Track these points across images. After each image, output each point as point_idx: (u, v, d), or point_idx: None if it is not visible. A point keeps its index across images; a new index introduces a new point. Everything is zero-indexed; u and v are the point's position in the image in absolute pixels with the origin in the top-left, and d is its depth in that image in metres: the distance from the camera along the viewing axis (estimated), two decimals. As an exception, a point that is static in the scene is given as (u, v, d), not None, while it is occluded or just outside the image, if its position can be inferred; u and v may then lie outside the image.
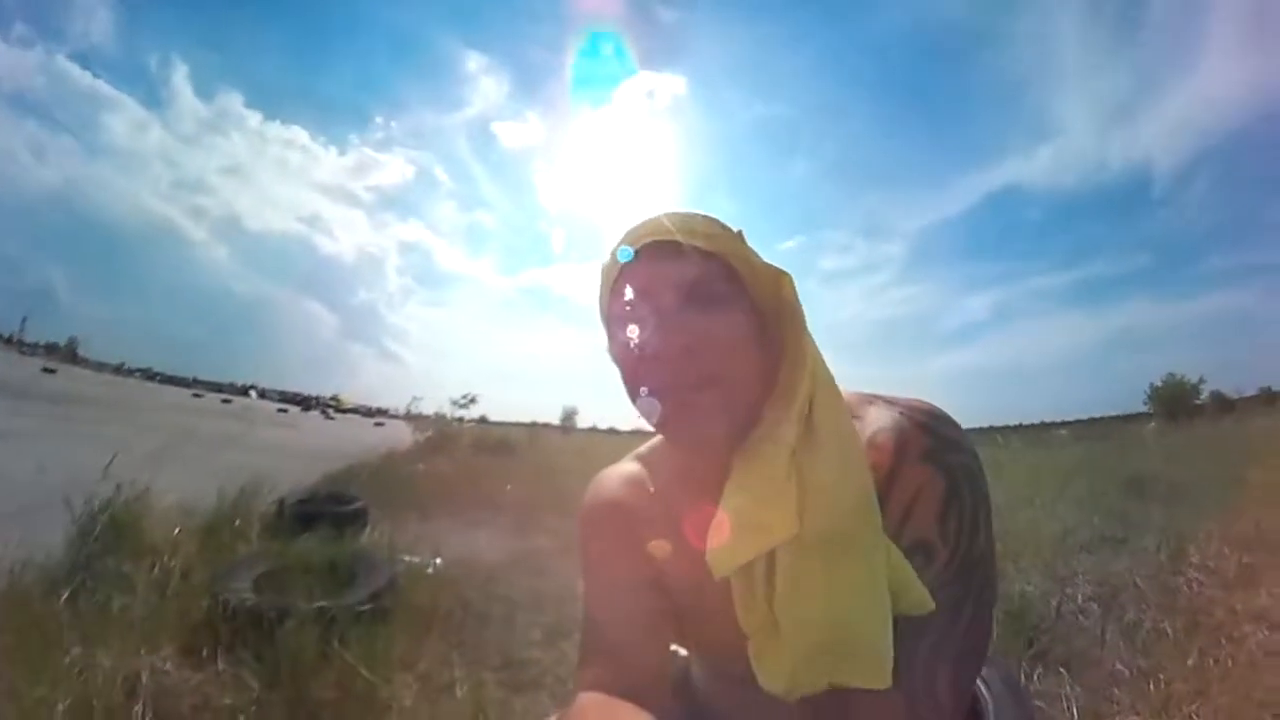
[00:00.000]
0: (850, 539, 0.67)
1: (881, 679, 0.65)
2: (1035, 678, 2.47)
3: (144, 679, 2.11)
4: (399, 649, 2.60)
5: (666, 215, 0.77)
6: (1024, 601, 3.06)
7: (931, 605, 0.68)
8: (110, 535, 3.19)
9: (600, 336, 0.82)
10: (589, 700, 0.74)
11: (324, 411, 60.38)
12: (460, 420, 17.18)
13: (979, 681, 0.96)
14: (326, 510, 4.70)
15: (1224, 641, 2.62)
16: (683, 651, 0.99)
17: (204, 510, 4.12)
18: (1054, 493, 6.73)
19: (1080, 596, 3.32)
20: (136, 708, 2.00)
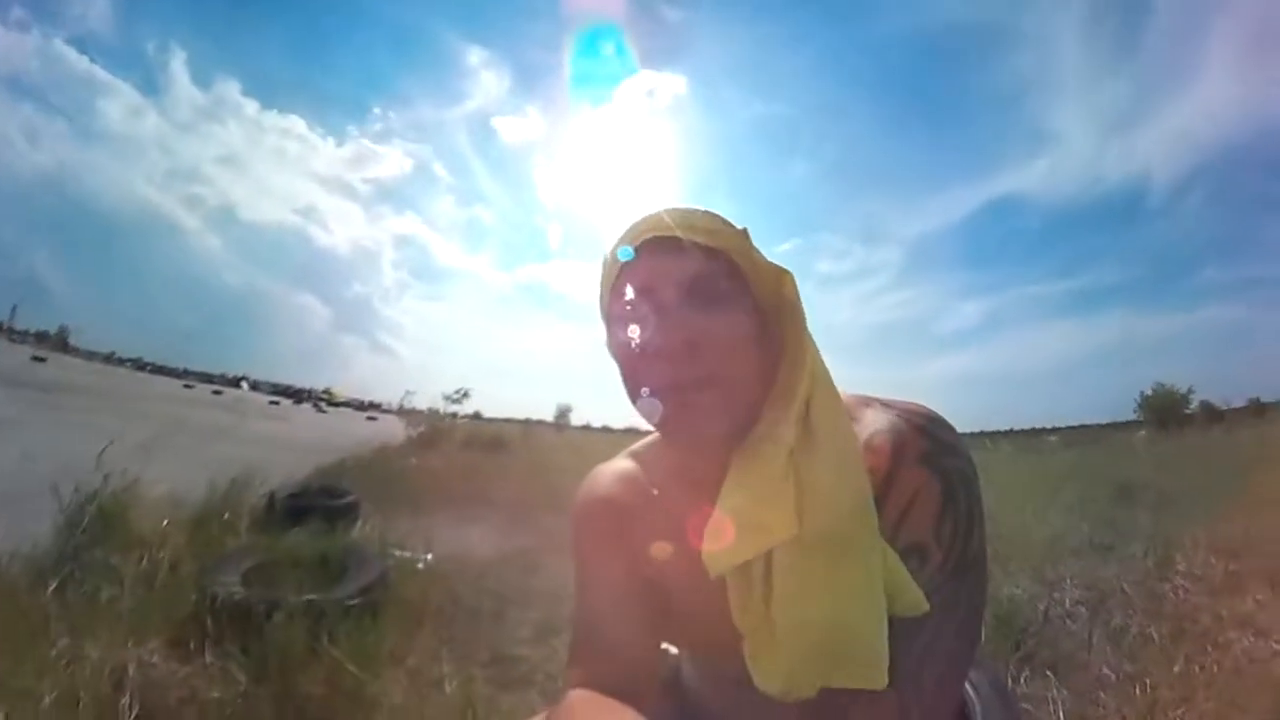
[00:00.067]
0: (848, 541, 0.67)
1: (877, 680, 0.66)
2: (1022, 680, 2.48)
3: (131, 671, 2.09)
4: (388, 644, 2.60)
5: (668, 211, 0.76)
6: (1012, 605, 3.08)
7: (926, 607, 0.68)
8: (98, 526, 3.17)
9: (597, 333, 0.82)
10: (577, 698, 0.74)
11: (316, 404, 60.20)
12: (454, 415, 17.18)
13: (967, 684, 0.96)
14: (317, 504, 4.68)
15: (1210, 648, 2.63)
16: (674, 650, 0.99)
17: (193, 502, 4.11)
18: (1043, 498, 6.77)
19: (1068, 601, 3.33)
20: (123, 700, 1.98)
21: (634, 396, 0.76)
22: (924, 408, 0.78)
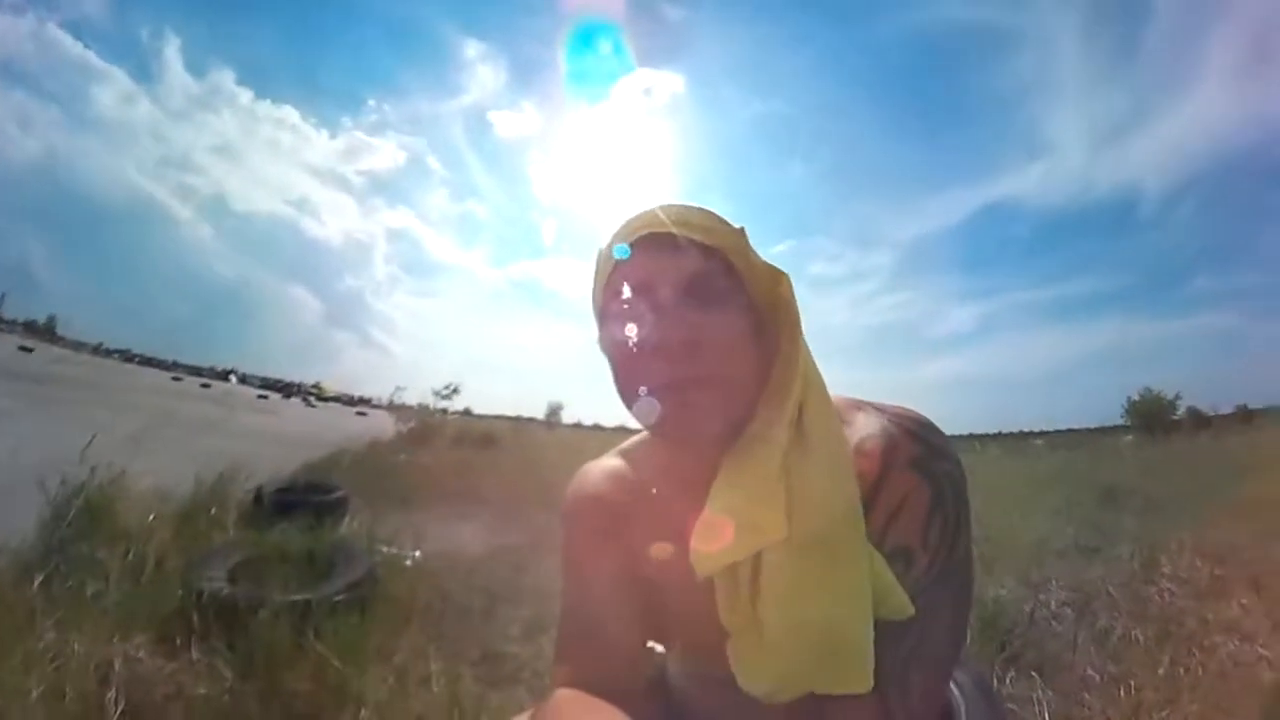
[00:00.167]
0: (837, 544, 0.67)
1: (863, 684, 0.66)
2: (1008, 681, 2.49)
3: (117, 666, 2.08)
4: (375, 641, 2.59)
5: (664, 208, 0.76)
6: (998, 606, 3.09)
7: (911, 610, 0.68)
8: (85, 519, 3.15)
9: (590, 331, 0.82)
10: (563, 697, 0.74)
11: (305, 399, 59.90)
12: (444, 411, 17.14)
13: (952, 684, 0.97)
14: (305, 499, 4.65)
15: (1195, 651, 2.65)
16: (660, 649, 0.99)
17: (181, 496, 4.09)
18: (1030, 501, 6.80)
19: (1054, 603, 3.35)
20: (109, 695, 1.98)
21: (627, 394, 0.76)
22: (915, 412, 0.78)
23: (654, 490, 0.87)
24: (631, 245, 0.75)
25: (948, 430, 0.79)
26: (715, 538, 0.71)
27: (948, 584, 0.73)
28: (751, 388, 0.75)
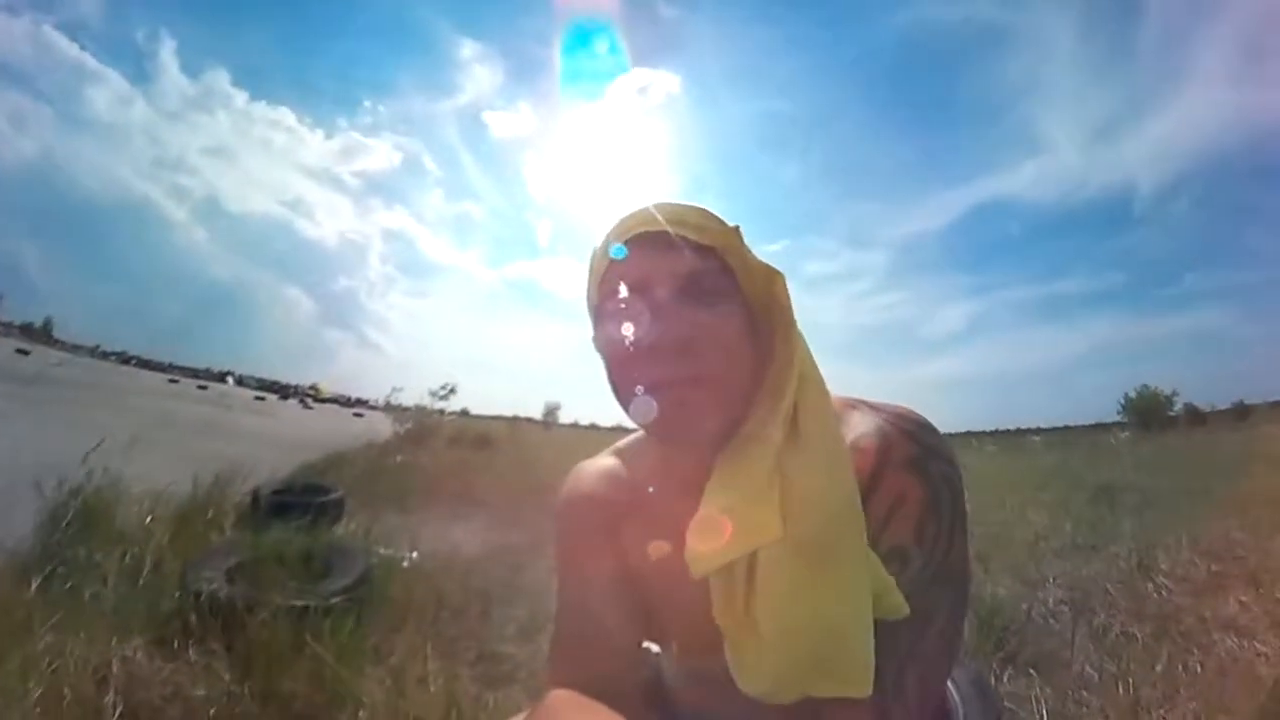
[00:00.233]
0: (833, 544, 0.67)
1: (862, 686, 0.65)
2: (1005, 679, 2.50)
3: (115, 668, 2.08)
4: (373, 642, 2.59)
5: (658, 206, 0.76)
6: (995, 604, 3.10)
7: (906, 611, 0.67)
8: (82, 522, 3.16)
9: (586, 331, 0.81)
10: (558, 698, 0.74)
11: (302, 400, 59.79)
12: (441, 412, 17.08)
13: (949, 682, 0.97)
14: (302, 501, 4.64)
15: (1193, 648, 2.65)
16: (655, 649, 0.98)
17: (178, 498, 4.07)
18: (1027, 498, 6.81)
19: (1051, 600, 3.36)
20: (107, 697, 1.97)
21: (622, 393, 0.76)
22: (911, 412, 0.77)
23: (649, 489, 0.87)
24: (626, 244, 0.75)
25: (944, 428, 0.78)
26: (710, 537, 0.71)
27: (944, 584, 0.72)
28: (747, 387, 0.75)
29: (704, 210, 0.76)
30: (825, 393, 0.75)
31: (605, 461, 0.94)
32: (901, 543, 0.70)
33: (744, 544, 0.69)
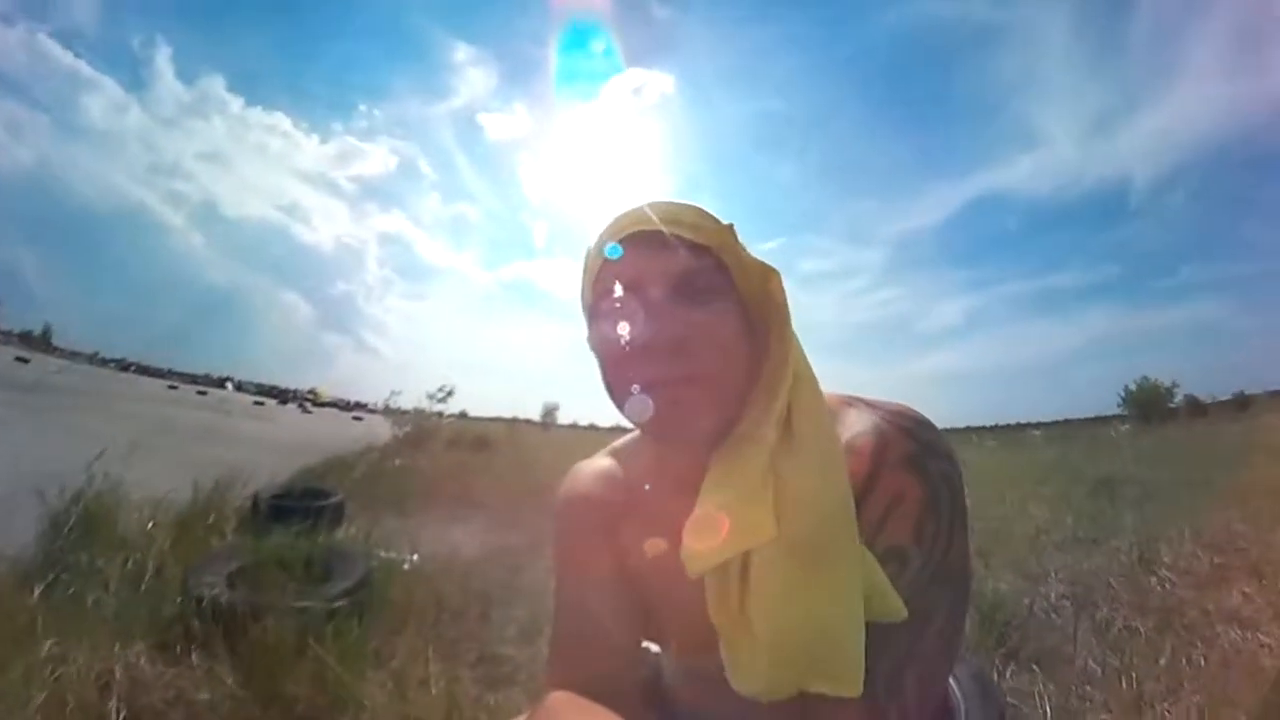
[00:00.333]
0: (827, 545, 0.66)
1: (853, 687, 0.64)
2: (1008, 675, 2.49)
3: (118, 674, 2.09)
4: (374, 645, 2.59)
5: (652, 205, 0.75)
6: (997, 599, 3.09)
7: (905, 614, 0.67)
8: (83, 528, 3.16)
9: (583, 332, 0.81)
10: (557, 699, 0.74)
11: (301, 405, 59.73)
12: (440, 415, 17.08)
13: (950, 680, 0.96)
14: (302, 505, 4.64)
15: (1197, 641, 2.65)
16: (654, 648, 0.98)
17: (179, 504, 4.07)
18: (1027, 492, 6.81)
19: (1053, 595, 3.36)
20: (110, 703, 1.98)
21: (617, 393, 0.75)
22: (909, 409, 0.76)
23: (645, 489, 0.86)
24: (620, 243, 0.74)
25: (943, 424, 0.78)
26: (705, 537, 0.70)
27: (943, 585, 0.71)
28: (742, 385, 0.74)
29: (698, 209, 0.76)
30: (819, 392, 0.74)
31: (602, 462, 0.94)
32: (900, 543, 0.69)
33: (738, 544, 0.69)
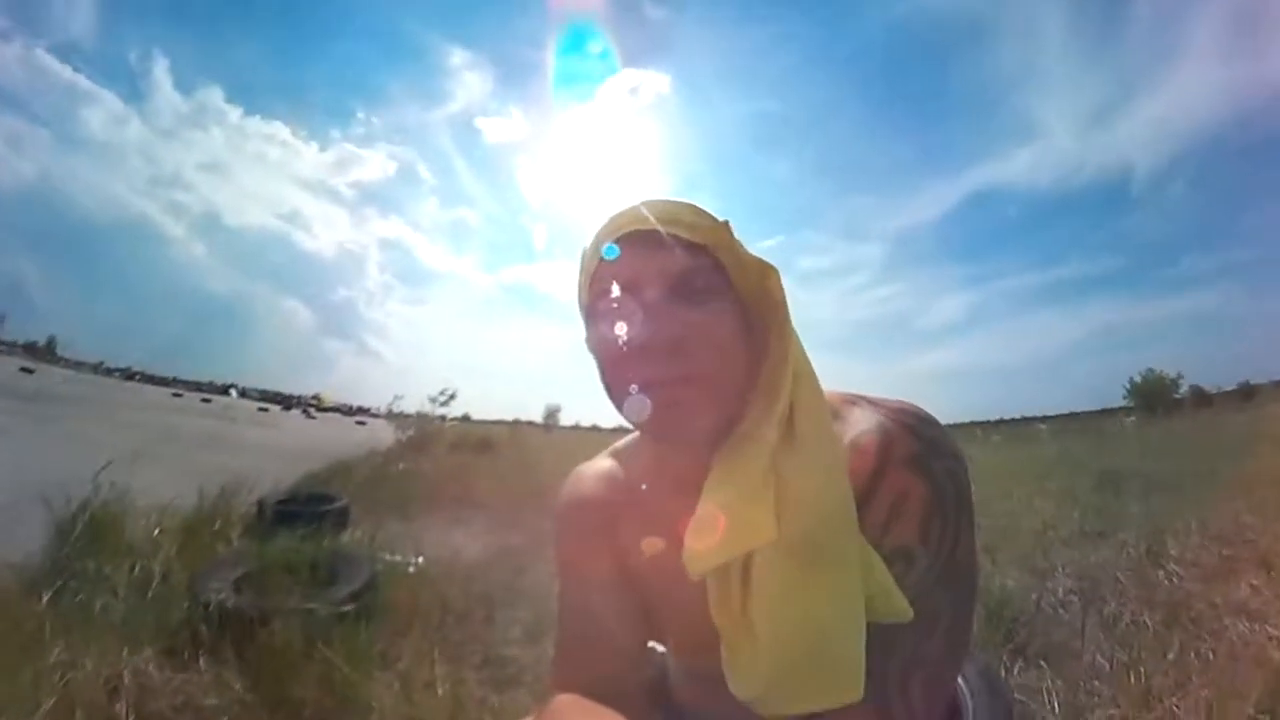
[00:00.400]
0: (828, 545, 0.65)
1: (854, 692, 0.63)
2: (1015, 671, 2.49)
3: (126, 680, 2.10)
4: (380, 648, 2.60)
5: (648, 203, 0.74)
6: (1003, 595, 3.09)
7: (910, 615, 0.66)
8: (90, 536, 3.17)
9: (583, 332, 0.80)
10: (563, 702, 0.73)
11: (305, 410, 59.70)
12: (442, 418, 17.07)
13: (958, 676, 0.96)
14: (307, 510, 4.67)
15: (1205, 635, 2.63)
16: (660, 648, 0.98)
17: (184, 510, 4.08)
18: (1034, 487, 6.80)
19: (1060, 590, 3.35)
20: (119, 708, 1.99)
21: (615, 394, 0.74)
22: (913, 406, 0.75)
23: (646, 490, 0.86)
24: (617, 243, 0.73)
25: (948, 420, 0.77)
26: (706, 538, 0.70)
27: (950, 585, 0.70)
28: (741, 385, 0.73)
29: (695, 207, 0.75)
30: (819, 390, 0.73)
31: (603, 463, 0.94)
32: (906, 543, 0.68)
33: (740, 545, 0.68)
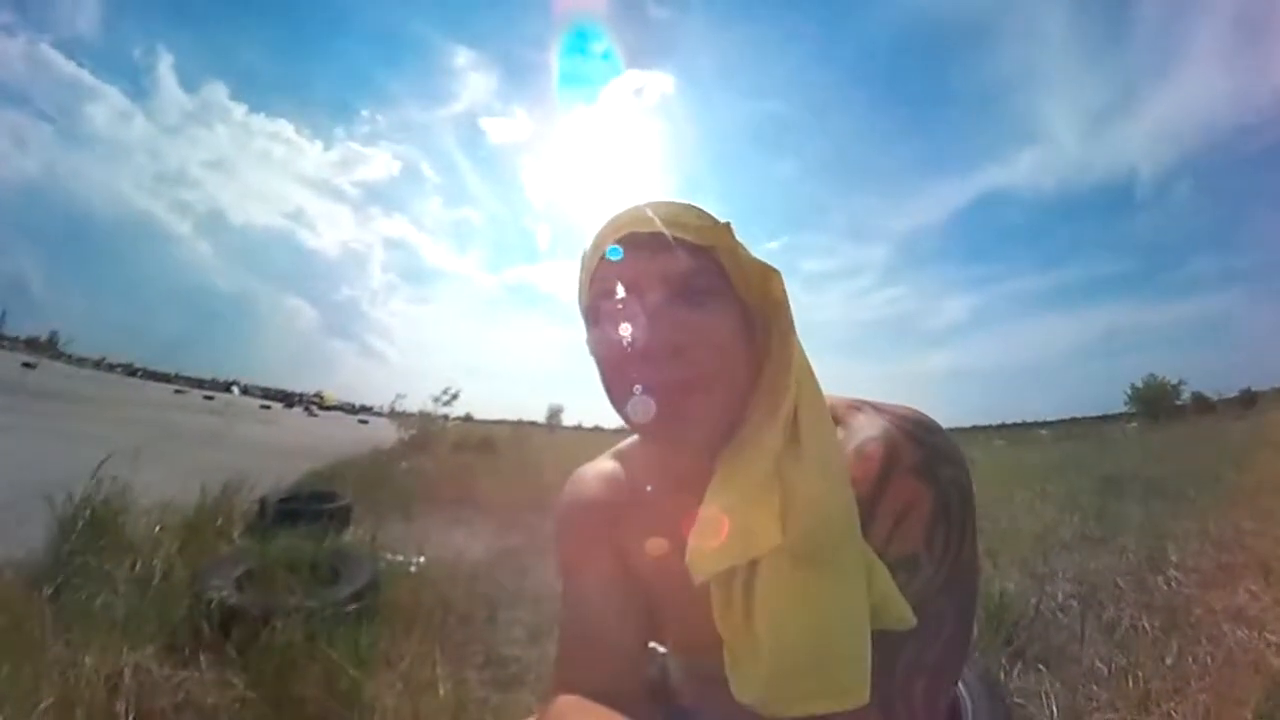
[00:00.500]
0: (832, 551, 0.65)
1: (859, 695, 0.63)
2: (1014, 675, 2.49)
3: (127, 677, 2.09)
4: (381, 647, 2.60)
5: (650, 205, 0.74)
6: (1003, 599, 3.08)
7: (914, 621, 0.66)
8: (92, 532, 3.17)
9: (584, 332, 0.80)
10: (565, 703, 0.73)
11: (307, 409, 59.78)
12: (445, 418, 17.07)
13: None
14: (309, 508, 4.68)
15: (1203, 640, 2.64)
16: (661, 649, 0.98)
17: (186, 507, 4.08)
18: (1035, 491, 6.80)
19: (1060, 594, 3.35)
20: (120, 705, 1.99)
21: (616, 397, 0.74)
22: (918, 413, 0.75)
23: (649, 493, 0.86)
24: (617, 244, 0.73)
25: (951, 424, 0.77)
26: (710, 542, 0.69)
27: (953, 592, 0.70)
28: (743, 388, 0.73)
29: (696, 208, 0.75)
30: (820, 395, 0.73)
31: (604, 465, 0.94)
32: (911, 550, 0.68)
33: (745, 551, 0.68)
